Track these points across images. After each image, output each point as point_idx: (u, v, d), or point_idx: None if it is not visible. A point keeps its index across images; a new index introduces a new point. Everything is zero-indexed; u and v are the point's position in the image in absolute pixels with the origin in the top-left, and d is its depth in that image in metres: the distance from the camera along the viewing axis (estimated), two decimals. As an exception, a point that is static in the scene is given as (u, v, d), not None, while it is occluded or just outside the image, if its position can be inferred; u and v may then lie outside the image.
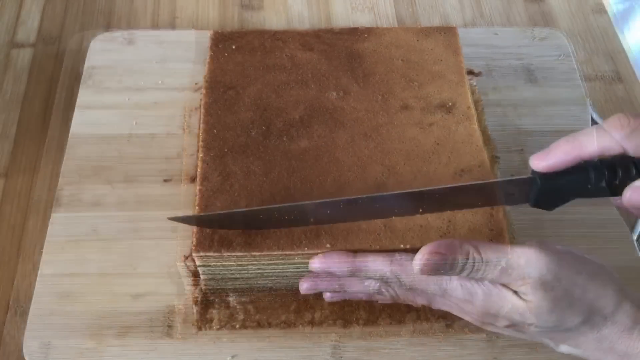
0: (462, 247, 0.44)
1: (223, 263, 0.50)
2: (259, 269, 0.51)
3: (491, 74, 0.71)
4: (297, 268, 0.50)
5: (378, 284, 0.49)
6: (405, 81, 0.58)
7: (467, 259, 0.44)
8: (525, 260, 0.43)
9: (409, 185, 0.51)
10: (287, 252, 0.48)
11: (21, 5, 0.78)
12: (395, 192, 0.48)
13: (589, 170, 0.43)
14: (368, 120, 0.55)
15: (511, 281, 0.44)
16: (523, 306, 0.44)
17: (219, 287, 0.54)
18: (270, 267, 0.50)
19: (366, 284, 0.49)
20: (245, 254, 0.48)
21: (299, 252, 0.48)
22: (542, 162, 0.44)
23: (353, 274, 0.48)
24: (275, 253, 0.48)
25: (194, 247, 0.48)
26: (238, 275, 0.52)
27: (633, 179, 0.42)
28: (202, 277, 0.52)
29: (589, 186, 0.43)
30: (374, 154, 0.53)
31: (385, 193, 0.48)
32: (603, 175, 0.43)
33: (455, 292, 0.46)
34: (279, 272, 0.51)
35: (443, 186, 0.47)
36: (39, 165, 0.66)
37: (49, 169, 0.65)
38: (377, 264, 0.47)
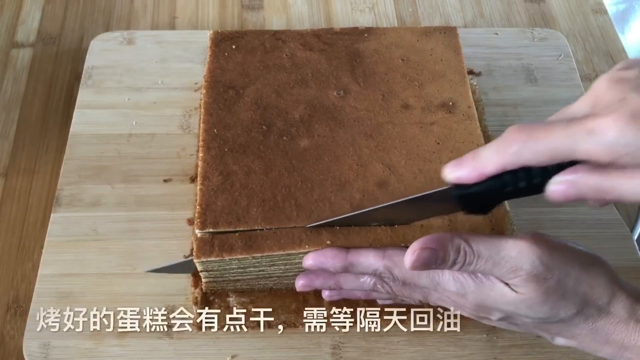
0: (453, 241, 0.43)
1: (225, 267, 0.50)
2: (260, 270, 0.51)
3: (491, 74, 0.71)
4: (299, 269, 0.50)
5: (373, 280, 0.48)
6: (406, 81, 0.58)
7: (459, 252, 0.43)
8: (517, 252, 0.43)
9: (409, 185, 0.51)
10: (289, 252, 0.48)
11: (21, 5, 0.78)
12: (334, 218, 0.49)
13: (502, 175, 0.40)
14: (369, 119, 0.55)
15: (503, 274, 0.43)
16: (515, 298, 0.44)
17: (219, 288, 0.53)
18: (271, 267, 0.50)
19: (361, 280, 0.49)
20: (246, 256, 0.48)
21: (301, 250, 0.48)
22: (450, 174, 0.42)
23: (346, 269, 0.48)
24: (277, 253, 0.48)
25: (195, 254, 0.48)
26: (239, 277, 0.52)
27: (552, 175, 0.39)
28: (203, 280, 0.52)
29: (508, 188, 0.41)
30: (374, 153, 0.53)
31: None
32: (519, 177, 0.40)
33: (448, 286, 0.46)
34: (280, 272, 0.51)
35: (381, 205, 0.48)
36: (39, 165, 0.66)
37: (49, 169, 0.65)
38: (369, 259, 0.47)
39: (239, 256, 0.48)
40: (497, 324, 0.48)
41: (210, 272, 0.50)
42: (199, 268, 0.50)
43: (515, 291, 0.44)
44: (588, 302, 0.43)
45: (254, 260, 0.49)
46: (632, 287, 0.45)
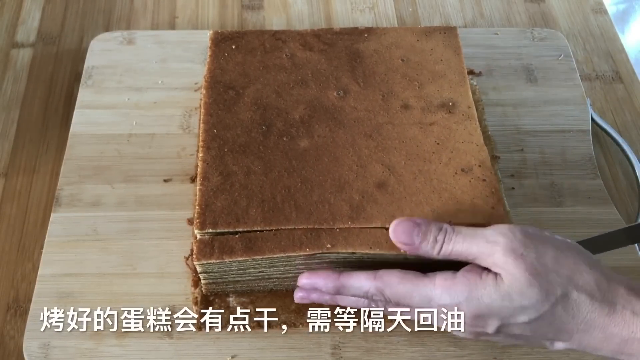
0: (437, 222, 0.47)
1: (225, 268, 0.50)
2: (260, 271, 0.51)
3: (491, 74, 0.71)
4: (298, 270, 0.50)
5: (367, 300, 0.49)
6: (406, 81, 0.58)
7: (440, 230, 0.46)
8: (492, 230, 0.45)
9: (409, 185, 0.51)
10: (289, 254, 0.48)
11: (21, 5, 0.78)
12: None
13: None
14: (368, 120, 0.55)
15: (480, 250, 0.45)
16: (505, 286, 0.44)
17: (219, 290, 0.54)
18: (271, 269, 0.50)
19: (355, 299, 0.49)
20: (247, 258, 0.48)
21: (301, 252, 0.48)
22: None
23: (338, 291, 0.49)
24: (277, 255, 0.48)
25: (195, 256, 0.48)
26: (239, 279, 0.52)
27: None
28: (203, 281, 0.52)
29: None
30: (374, 154, 0.53)
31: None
32: None
33: (442, 299, 0.46)
34: (279, 274, 0.51)
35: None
36: (38, 165, 0.66)
37: (48, 169, 0.65)
38: (361, 281, 0.48)
39: (239, 258, 0.48)
40: (495, 338, 0.48)
41: (210, 274, 0.50)
42: (199, 269, 0.50)
43: (502, 279, 0.44)
44: (575, 285, 0.44)
45: (254, 262, 0.49)
46: (621, 278, 0.45)
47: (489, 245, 0.44)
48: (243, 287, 0.53)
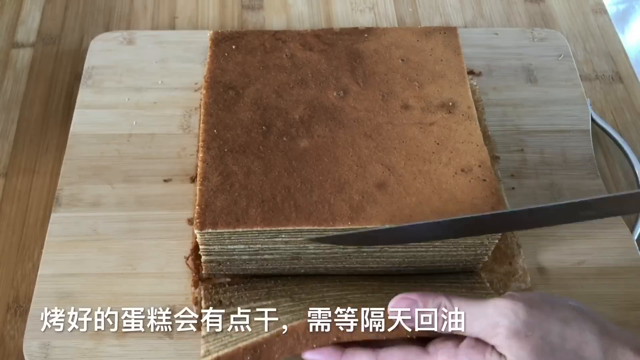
0: (436, 297, 0.46)
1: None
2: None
3: (491, 74, 0.71)
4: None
5: None
6: (406, 81, 0.58)
7: (439, 307, 0.45)
8: (493, 309, 0.44)
9: (409, 185, 0.51)
10: (296, 353, 0.48)
11: (21, 5, 0.78)
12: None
13: None
14: (368, 120, 0.55)
15: (484, 329, 0.44)
16: None
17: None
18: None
19: None
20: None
21: (308, 349, 0.48)
22: None
23: None
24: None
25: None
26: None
27: None
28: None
29: None
30: (374, 154, 0.53)
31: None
32: None
33: None
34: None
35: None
36: (38, 165, 0.66)
37: (49, 169, 0.65)
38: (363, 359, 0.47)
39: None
40: None
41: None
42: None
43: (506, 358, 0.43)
44: (581, 357, 0.43)
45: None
46: (628, 338, 0.44)
47: (491, 327, 0.44)
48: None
